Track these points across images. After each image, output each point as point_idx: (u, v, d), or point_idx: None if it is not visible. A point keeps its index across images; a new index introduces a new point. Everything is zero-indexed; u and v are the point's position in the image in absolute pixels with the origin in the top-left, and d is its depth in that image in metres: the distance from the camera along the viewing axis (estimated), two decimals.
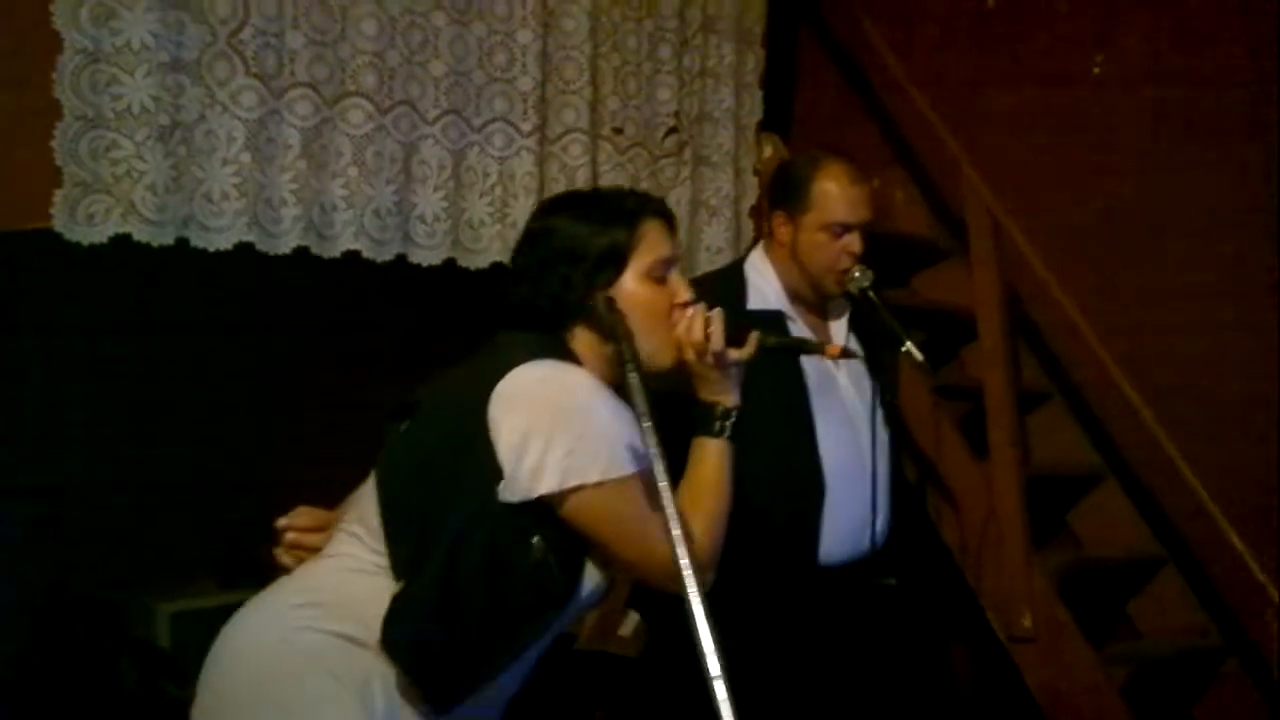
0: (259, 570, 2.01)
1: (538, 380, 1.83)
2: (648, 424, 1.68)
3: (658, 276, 1.95)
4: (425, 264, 3.11)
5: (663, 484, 1.61)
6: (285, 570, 1.96)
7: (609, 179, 3.46)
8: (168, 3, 2.64)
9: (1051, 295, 3.73)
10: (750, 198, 3.76)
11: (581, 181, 3.35)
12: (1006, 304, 3.60)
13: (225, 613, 1.94)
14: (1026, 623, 3.26)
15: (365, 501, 1.89)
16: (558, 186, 3.32)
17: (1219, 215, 3.62)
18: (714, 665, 1.45)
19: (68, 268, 2.91)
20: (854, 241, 2.80)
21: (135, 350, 3.82)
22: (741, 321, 2.03)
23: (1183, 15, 3.70)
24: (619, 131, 3.49)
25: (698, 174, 3.67)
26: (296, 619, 1.82)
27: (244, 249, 2.80)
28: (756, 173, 3.78)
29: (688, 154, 3.65)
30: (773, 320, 2.80)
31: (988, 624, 3.36)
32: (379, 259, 3.03)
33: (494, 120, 3.22)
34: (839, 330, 2.90)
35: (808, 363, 2.73)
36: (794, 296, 2.85)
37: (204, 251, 2.75)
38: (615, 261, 1.92)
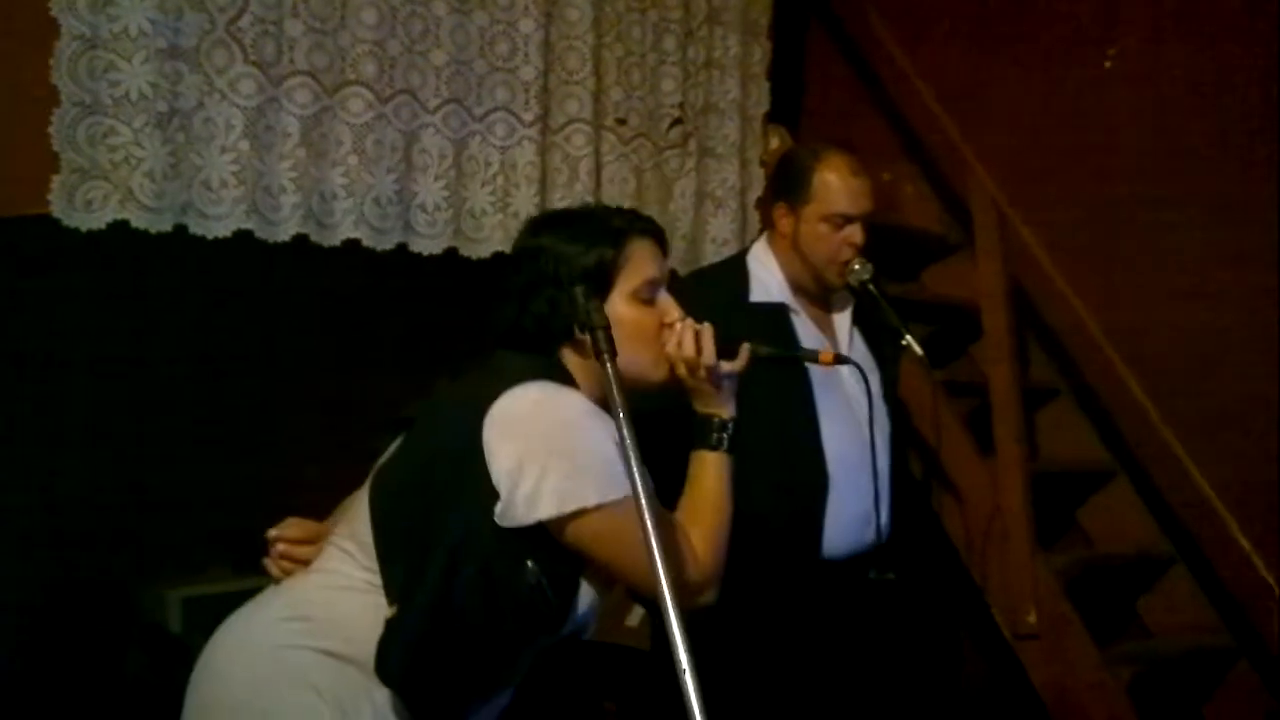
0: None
1: (532, 403, 1.82)
2: (621, 415, 1.66)
3: (645, 298, 1.95)
4: (426, 253, 3.09)
5: (641, 500, 1.58)
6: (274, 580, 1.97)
7: (612, 169, 3.44)
8: None
9: (1057, 290, 3.71)
10: (757, 189, 3.73)
11: (584, 172, 3.34)
12: (1011, 298, 3.58)
13: (238, 598, 1.96)
14: (1031, 619, 3.23)
15: (357, 517, 1.88)
16: (560, 177, 3.31)
17: (1223, 214, 3.58)
18: (683, 660, 1.42)
19: (66, 254, 2.90)
20: (855, 233, 2.79)
21: (132, 325, 3.79)
22: (733, 334, 2.02)
23: (1185, 14, 3.67)
24: (622, 122, 3.47)
25: (703, 165, 3.65)
26: (284, 634, 1.83)
27: (243, 236, 2.79)
28: (763, 164, 3.76)
29: (693, 145, 3.63)
30: (775, 313, 2.79)
31: (992, 620, 3.33)
32: (379, 248, 3.01)
33: (495, 110, 3.20)
34: (842, 323, 2.89)
35: None
36: (797, 289, 2.84)
37: (203, 239, 2.74)
38: (601, 281, 1.90)
